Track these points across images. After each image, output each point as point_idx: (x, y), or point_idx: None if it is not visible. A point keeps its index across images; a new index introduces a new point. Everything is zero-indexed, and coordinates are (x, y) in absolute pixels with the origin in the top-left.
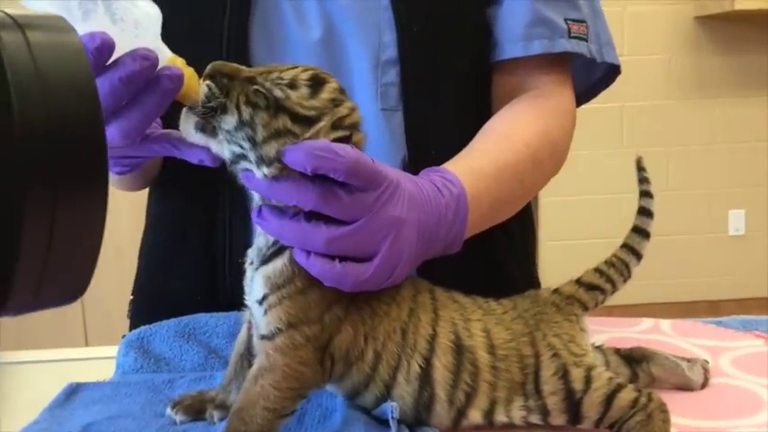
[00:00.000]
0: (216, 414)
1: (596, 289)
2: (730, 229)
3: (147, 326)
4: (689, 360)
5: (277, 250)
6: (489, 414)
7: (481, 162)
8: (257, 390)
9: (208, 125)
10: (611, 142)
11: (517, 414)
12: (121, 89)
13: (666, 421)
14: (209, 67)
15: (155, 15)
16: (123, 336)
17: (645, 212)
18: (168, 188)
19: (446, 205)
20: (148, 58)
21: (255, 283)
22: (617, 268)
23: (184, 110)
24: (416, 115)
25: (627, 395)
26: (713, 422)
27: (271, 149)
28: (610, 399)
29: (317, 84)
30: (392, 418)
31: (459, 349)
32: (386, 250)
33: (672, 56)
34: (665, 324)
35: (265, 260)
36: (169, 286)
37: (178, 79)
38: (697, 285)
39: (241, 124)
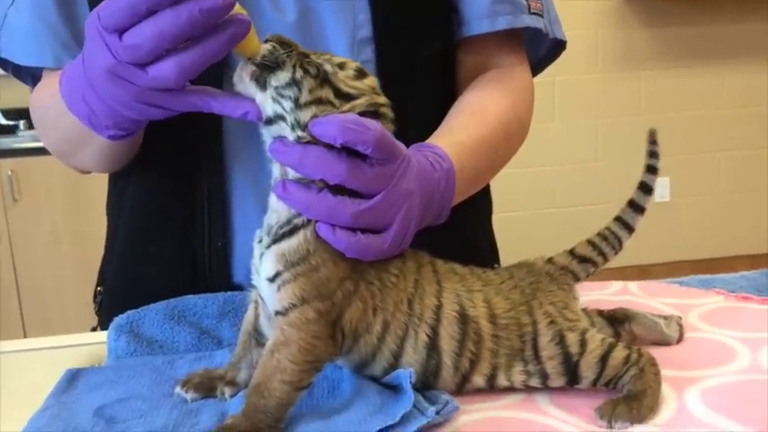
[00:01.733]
0: (227, 390)
1: (588, 261)
2: (656, 195)
3: (134, 310)
4: (665, 318)
5: (291, 229)
6: (491, 379)
7: (462, 136)
8: (274, 363)
9: (261, 77)
10: (543, 116)
11: (517, 378)
12: (200, 21)
13: (657, 373)
14: (271, 34)
15: None
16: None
17: (644, 188)
18: (144, 176)
19: (438, 179)
20: None
21: (266, 260)
22: (609, 242)
23: (243, 60)
24: (393, 91)
25: (619, 353)
26: (693, 372)
27: (307, 114)
28: (604, 359)
29: (362, 72)
30: (410, 383)
31: (463, 319)
32: (400, 220)
33: (598, 30)
34: (633, 286)
35: (278, 238)
36: (146, 275)
37: (247, 26)
38: (626, 251)
39: (291, 82)
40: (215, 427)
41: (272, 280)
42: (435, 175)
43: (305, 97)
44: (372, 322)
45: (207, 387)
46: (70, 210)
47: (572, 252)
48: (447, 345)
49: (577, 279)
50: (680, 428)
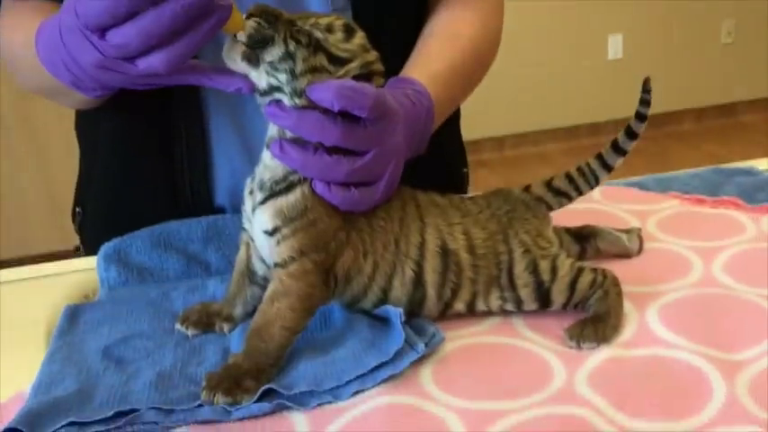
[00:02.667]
0: (225, 326)
1: (563, 195)
2: (609, 53)
3: (119, 238)
4: (627, 231)
5: (288, 185)
6: (471, 305)
7: (438, 66)
8: (274, 311)
9: (253, 55)
10: None
11: (495, 303)
12: (183, 17)
13: (619, 294)
14: (253, 6)
15: None
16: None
17: (630, 133)
18: (120, 107)
19: (419, 117)
20: None
21: (264, 214)
22: (586, 178)
23: (229, 39)
24: (364, 13)
25: (586, 278)
26: (652, 287)
27: (303, 82)
28: (573, 284)
29: (349, 30)
30: (401, 322)
31: (445, 253)
32: (390, 172)
33: None
34: (596, 193)
35: (274, 194)
36: (128, 199)
37: (228, 10)
38: (578, 110)
39: (286, 55)
40: (221, 365)
41: (270, 234)
42: (416, 111)
43: (300, 67)
44: (363, 265)
45: (205, 323)
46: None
47: (549, 184)
48: (430, 278)
49: (550, 209)
50: (640, 347)
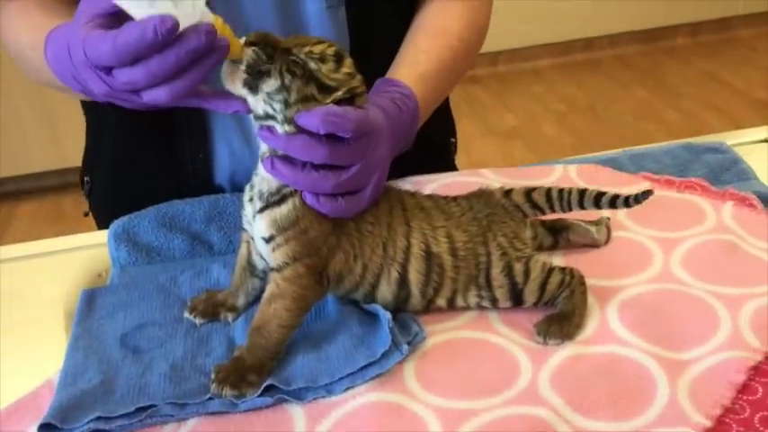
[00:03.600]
0: (230, 315)
1: (539, 209)
2: None
3: (127, 217)
4: (596, 223)
5: (281, 197)
6: (451, 301)
7: (426, 66)
8: (271, 311)
9: (252, 83)
10: None
11: (472, 300)
12: (186, 60)
13: (584, 293)
14: (252, 34)
15: None
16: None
17: (613, 203)
18: None
19: (405, 120)
20: (210, 33)
21: (261, 223)
22: (562, 203)
23: (227, 62)
24: (358, 9)
25: (555, 278)
26: (614, 281)
27: (294, 111)
28: (543, 285)
29: (339, 59)
30: (388, 327)
31: (428, 256)
32: (374, 181)
33: None
34: (572, 171)
35: (269, 204)
36: (134, 179)
37: (227, 48)
38: (572, 25)
39: (281, 88)
40: (226, 358)
41: (267, 241)
42: (402, 117)
43: (293, 97)
44: (354, 266)
45: (212, 312)
46: None
47: (529, 195)
48: (415, 278)
49: (526, 216)
50: (599, 344)
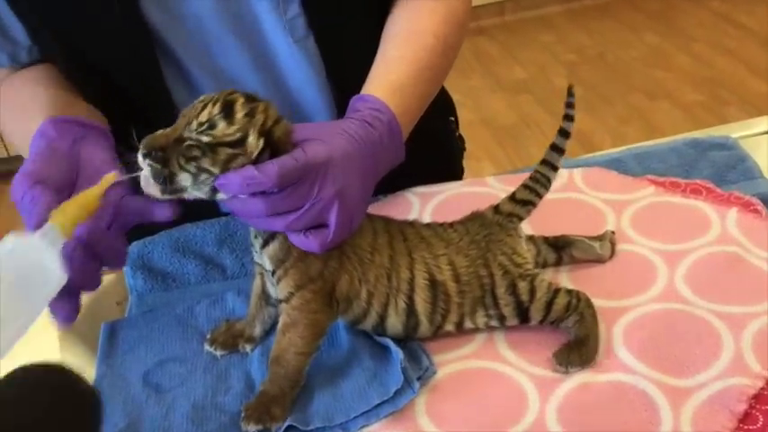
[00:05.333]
0: (248, 346)
1: (529, 203)
2: None
3: (140, 243)
4: (600, 239)
5: (272, 233)
6: (459, 325)
7: (400, 75)
8: (286, 341)
9: (170, 187)
10: None
11: (481, 321)
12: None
13: (594, 315)
14: (141, 146)
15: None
16: None
17: (563, 133)
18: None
19: (380, 136)
20: None
21: (265, 258)
22: (541, 183)
23: (141, 176)
24: (326, 36)
25: (562, 300)
26: (618, 302)
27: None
28: (549, 304)
29: (228, 110)
30: (401, 366)
31: (433, 284)
32: (336, 216)
33: None
34: (578, 176)
35: (265, 243)
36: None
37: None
38: None
39: (196, 175)
40: (252, 397)
41: (272, 274)
42: (375, 135)
43: (214, 170)
44: (360, 291)
45: (231, 344)
46: None
47: (513, 198)
48: (422, 308)
49: (521, 219)
50: (606, 372)
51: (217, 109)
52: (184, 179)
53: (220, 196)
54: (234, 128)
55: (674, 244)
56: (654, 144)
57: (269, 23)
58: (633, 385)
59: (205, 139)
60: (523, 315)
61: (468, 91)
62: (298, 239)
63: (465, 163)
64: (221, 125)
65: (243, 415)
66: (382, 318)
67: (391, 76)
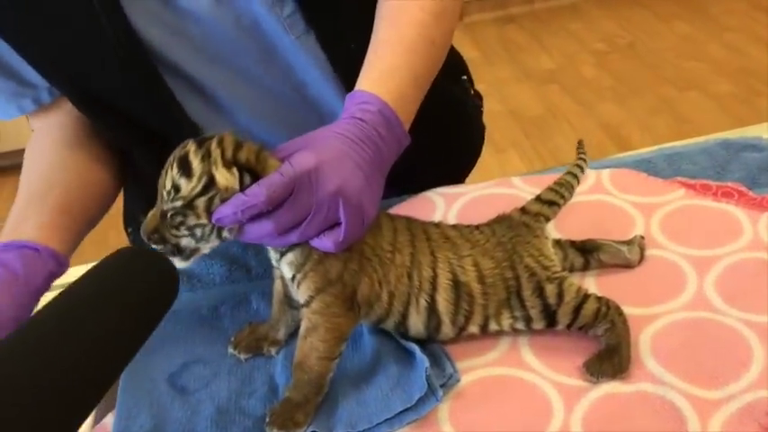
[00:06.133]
0: (273, 349)
1: (555, 204)
2: None
3: None
4: (628, 243)
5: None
6: (484, 327)
7: (388, 59)
8: (308, 345)
9: (186, 254)
10: None
11: (506, 323)
12: None
13: (625, 323)
14: (142, 233)
15: None
16: None
17: (579, 167)
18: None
19: (373, 127)
20: None
21: (283, 266)
22: (566, 187)
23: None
24: (327, 30)
25: (591, 306)
26: (647, 309)
27: (212, 222)
28: (577, 309)
29: (184, 166)
30: (425, 374)
31: (456, 285)
32: (345, 213)
33: None
34: (605, 177)
35: (283, 253)
36: None
37: None
38: None
39: (193, 236)
40: (275, 402)
41: (292, 280)
42: (366, 128)
43: (204, 221)
44: (380, 293)
45: (255, 347)
46: None
47: (539, 197)
48: (444, 308)
49: (548, 219)
50: (633, 381)
51: (175, 171)
52: (187, 242)
53: (225, 234)
54: (195, 178)
55: (705, 249)
56: (684, 144)
57: (268, 23)
58: (661, 396)
59: (178, 203)
60: (550, 318)
61: (494, 81)
62: (315, 242)
63: (491, 157)
64: (184, 184)
65: (267, 420)
66: (404, 316)
67: (380, 63)
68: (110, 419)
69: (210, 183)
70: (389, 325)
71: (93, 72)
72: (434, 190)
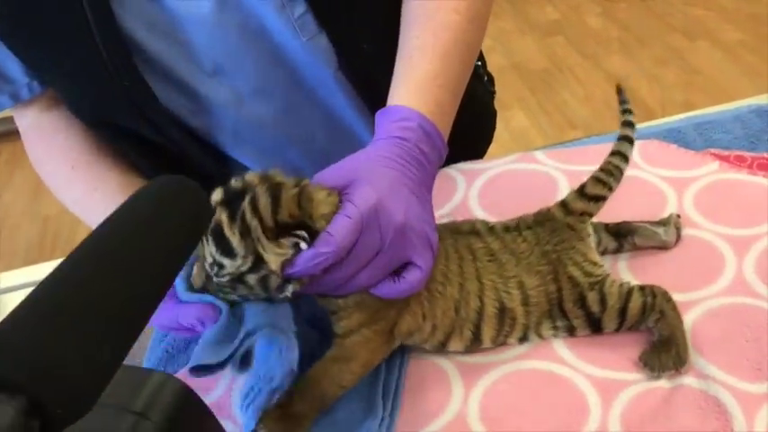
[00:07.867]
0: None
1: (601, 199)
2: None
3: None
4: (664, 224)
5: None
6: (524, 339)
7: (424, 68)
8: (335, 371)
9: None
10: None
11: (547, 333)
12: None
13: (675, 308)
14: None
15: None
16: None
17: (627, 125)
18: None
19: (416, 144)
20: None
21: (320, 300)
22: (614, 175)
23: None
24: (339, 30)
25: (636, 302)
26: (685, 294)
27: (278, 277)
28: (623, 311)
29: (221, 242)
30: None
31: (501, 313)
32: (413, 246)
33: None
34: (636, 152)
35: None
36: None
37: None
38: None
39: (245, 297)
40: (270, 407)
41: (331, 314)
42: (410, 145)
43: (260, 291)
44: (423, 326)
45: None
46: None
47: (584, 193)
48: (487, 334)
49: (592, 216)
50: (674, 374)
51: (213, 248)
52: (240, 298)
53: (291, 290)
54: (239, 258)
55: (742, 228)
56: (716, 112)
57: (276, 25)
58: (703, 390)
59: (224, 279)
60: (596, 325)
61: (497, 34)
62: (389, 289)
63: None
64: (228, 263)
65: (262, 425)
66: (443, 344)
67: (415, 73)
68: None
69: (259, 261)
70: (426, 347)
71: (85, 87)
72: (454, 166)
